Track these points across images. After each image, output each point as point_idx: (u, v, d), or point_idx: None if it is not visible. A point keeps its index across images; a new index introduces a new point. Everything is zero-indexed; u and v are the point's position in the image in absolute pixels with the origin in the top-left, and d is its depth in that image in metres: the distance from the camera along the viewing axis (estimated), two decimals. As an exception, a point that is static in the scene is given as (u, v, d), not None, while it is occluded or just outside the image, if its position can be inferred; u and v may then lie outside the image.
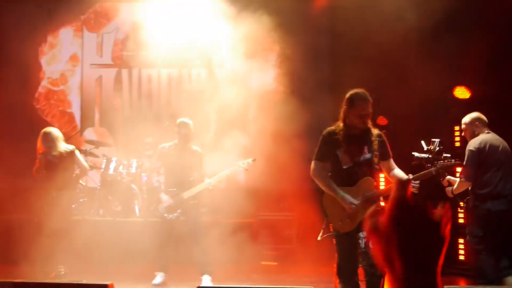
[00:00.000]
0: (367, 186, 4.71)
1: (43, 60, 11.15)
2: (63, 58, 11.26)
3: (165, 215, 7.10)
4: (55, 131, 7.39)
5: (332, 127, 4.89)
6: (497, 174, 5.90)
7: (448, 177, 5.96)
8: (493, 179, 5.89)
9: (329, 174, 4.83)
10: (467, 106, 8.20)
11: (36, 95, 11.17)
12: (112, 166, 9.32)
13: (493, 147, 6.02)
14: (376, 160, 4.76)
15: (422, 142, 5.62)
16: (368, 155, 4.75)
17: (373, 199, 4.69)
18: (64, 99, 11.20)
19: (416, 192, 4.72)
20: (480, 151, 5.94)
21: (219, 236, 8.37)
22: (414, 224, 1.98)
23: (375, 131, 4.87)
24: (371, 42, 9.42)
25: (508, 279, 6.07)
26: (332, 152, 4.76)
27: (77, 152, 7.50)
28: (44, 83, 11.20)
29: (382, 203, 5.03)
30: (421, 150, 5.54)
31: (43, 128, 9.61)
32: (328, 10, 10.50)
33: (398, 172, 4.88)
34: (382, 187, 6.50)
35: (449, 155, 5.25)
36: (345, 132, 4.75)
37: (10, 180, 9.01)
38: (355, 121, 4.72)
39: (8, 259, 7.93)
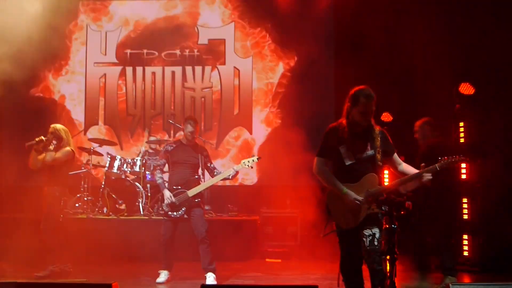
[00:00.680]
0: (371, 182, 4.68)
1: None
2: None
3: (169, 213, 7.06)
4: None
5: (335, 124, 4.87)
6: None
7: None
8: None
9: (332, 170, 4.81)
10: (471, 102, 8.18)
11: (41, 92, 11.19)
12: (116, 164, 9.33)
13: None
14: (379, 156, 4.74)
15: None
16: (370, 152, 4.73)
17: (377, 196, 4.67)
18: (68, 97, 11.22)
19: (428, 184, 4.69)
20: None
21: (223, 233, 8.39)
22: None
23: (377, 128, 4.84)
24: (375, 37, 9.41)
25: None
26: (335, 149, 4.74)
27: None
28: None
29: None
30: None
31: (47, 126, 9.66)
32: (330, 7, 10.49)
33: (408, 167, 4.85)
34: (385, 184, 6.50)
35: None
36: (348, 128, 4.73)
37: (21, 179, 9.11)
38: (357, 118, 4.69)
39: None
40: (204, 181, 7.34)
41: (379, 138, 4.77)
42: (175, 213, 7.05)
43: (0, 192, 9.51)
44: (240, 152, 10.78)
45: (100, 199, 9.30)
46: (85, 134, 10.92)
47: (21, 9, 8.50)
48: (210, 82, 11.07)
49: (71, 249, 8.10)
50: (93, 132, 11.01)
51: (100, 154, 9.99)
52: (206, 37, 11.11)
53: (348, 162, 4.71)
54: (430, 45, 9.58)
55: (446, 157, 4.72)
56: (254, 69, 10.98)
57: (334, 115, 8.65)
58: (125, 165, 9.34)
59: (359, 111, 4.67)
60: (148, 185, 9.48)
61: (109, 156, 9.45)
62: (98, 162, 10.18)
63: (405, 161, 4.97)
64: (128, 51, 11.24)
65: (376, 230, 4.61)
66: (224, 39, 11.08)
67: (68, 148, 7.38)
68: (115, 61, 11.23)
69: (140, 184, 9.25)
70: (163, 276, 7.08)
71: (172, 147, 7.34)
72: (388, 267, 4.33)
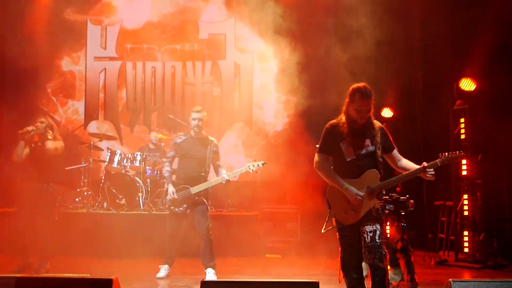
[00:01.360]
0: (372, 178, 4.69)
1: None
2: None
3: (171, 207, 7.01)
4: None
5: (335, 120, 4.88)
6: None
7: None
8: None
9: (333, 166, 4.81)
10: (472, 98, 8.18)
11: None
12: (116, 159, 9.32)
13: None
14: (379, 152, 4.74)
15: None
16: (371, 148, 4.73)
17: (378, 191, 4.67)
18: (68, 92, 11.21)
19: (432, 180, 4.69)
20: None
21: (223, 229, 8.38)
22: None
23: (377, 124, 4.85)
24: (375, 32, 9.39)
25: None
26: (335, 145, 4.74)
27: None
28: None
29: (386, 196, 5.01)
30: None
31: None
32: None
33: (407, 163, 4.85)
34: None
35: None
36: (347, 125, 4.73)
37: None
38: (353, 115, 4.70)
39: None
40: (210, 178, 7.18)
41: (379, 135, 4.77)
42: (176, 209, 7.00)
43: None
44: (240, 147, 10.79)
45: (100, 193, 9.30)
46: (85, 128, 10.92)
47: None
48: (210, 77, 11.06)
49: (71, 243, 8.13)
50: (93, 127, 11.00)
51: (100, 149, 9.99)
52: (206, 32, 11.09)
53: (348, 158, 4.71)
54: (431, 40, 9.58)
55: (446, 153, 4.72)
56: (255, 64, 10.95)
57: (334, 111, 8.63)
58: (125, 160, 9.32)
59: (354, 108, 4.68)
60: (148, 180, 9.48)
61: (109, 151, 9.43)
62: (98, 157, 10.18)
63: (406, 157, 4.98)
64: (128, 45, 11.22)
65: (377, 226, 4.61)
66: (225, 34, 11.06)
67: (61, 141, 7.24)
68: (115, 55, 11.21)
69: (140, 179, 9.24)
70: (163, 271, 7.03)
71: (181, 139, 7.16)
72: (405, 265, 4.33)
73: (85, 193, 9.56)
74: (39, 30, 10.58)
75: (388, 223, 7.06)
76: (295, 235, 9.12)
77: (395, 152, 4.91)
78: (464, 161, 8.19)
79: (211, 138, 7.25)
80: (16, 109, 9.99)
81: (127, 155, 9.43)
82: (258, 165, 6.98)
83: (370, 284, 4.62)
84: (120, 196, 9.09)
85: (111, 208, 9.03)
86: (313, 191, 8.02)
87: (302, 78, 10.23)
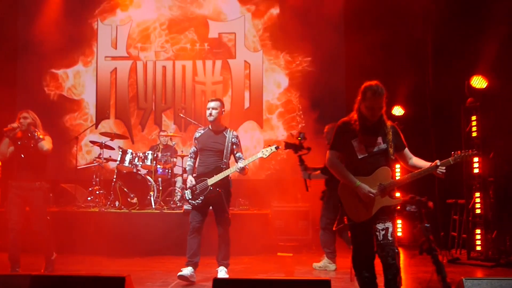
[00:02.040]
0: (384, 176, 4.68)
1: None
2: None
3: (190, 200, 6.75)
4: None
5: (346, 118, 4.88)
6: None
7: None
8: None
9: (345, 164, 4.81)
10: (484, 95, 8.13)
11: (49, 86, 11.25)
12: (127, 158, 9.34)
13: None
14: (391, 150, 4.74)
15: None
16: (383, 146, 4.73)
17: (390, 189, 4.67)
18: (80, 91, 11.27)
19: (442, 177, 4.68)
20: None
21: (235, 227, 8.39)
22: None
23: (389, 122, 4.85)
24: (386, 29, 9.37)
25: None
26: (347, 142, 4.75)
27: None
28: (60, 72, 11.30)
29: (398, 194, 5.01)
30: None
31: (58, 120, 9.73)
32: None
33: (419, 161, 4.84)
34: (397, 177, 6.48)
35: None
36: (359, 122, 4.73)
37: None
38: (365, 113, 4.71)
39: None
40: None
41: (390, 133, 4.77)
42: (193, 201, 6.73)
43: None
44: (252, 145, 10.79)
45: (112, 192, 9.34)
46: (96, 128, 10.97)
47: None
48: (220, 76, 11.07)
49: (83, 241, 8.18)
50: (104, 126, 11.05)
51: (112, 148, 10.03)
52: (216, 31, 11.11)
53: (360, 156, 4.71)
54: (442, 37, 9.54)
55: (459, 151, 4.71)
56: (265, 62, 10.96)
57: (345, 109, 8.62)
58: (136, 159, 9.35)
59: (366, 106, 4.68)
60: (160, 179, 9.51)
61: (121, 150, 9.47)
62: (110, 156, 10.23)
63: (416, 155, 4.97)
64: (139, 45, 11.27)
65: (389, 224, 4.61)
66: (235, 33, 11.07)
67: (48, 136, 6.79)
68: (126, 55, 11.26)
69: (151, 178, 9.27)
70: (185, 271, 6.56)
71: (199, 134, 6.95)
72: (436, 266, 4.34)
73: (97, 192, 9.61)
74: (51, 30, 10.63)
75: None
76: (306, 234, 9.12)
77: (407, 150, 4.91)
78: (476, 159, 8.15)
79: (231, 131, 6.95)
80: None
81: (138, 154, 9.46)
82: (271, 149, 6.69)
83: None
84: (132, 195, 9.12)
85: (123, 207, 9.07)
86: (324, 189, 8.00)
87: (313, 75, 10.25)
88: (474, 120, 8.28)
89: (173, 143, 10.02)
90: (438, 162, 4.64)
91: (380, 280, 4.71)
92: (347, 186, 4.73)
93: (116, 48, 11.25)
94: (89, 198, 9.65)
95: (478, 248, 8.14)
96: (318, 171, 7.63)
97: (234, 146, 6.85)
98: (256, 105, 10.94)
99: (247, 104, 10.98)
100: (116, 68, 11.25)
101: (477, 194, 8.19)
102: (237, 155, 6.87)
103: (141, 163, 9.38)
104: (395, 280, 4.55)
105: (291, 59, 10.84)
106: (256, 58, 10.99)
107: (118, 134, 10.14)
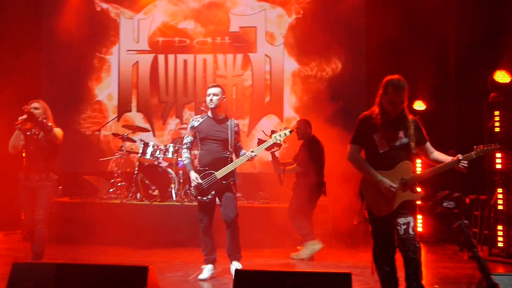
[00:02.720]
0: (405, 170, 4.68)
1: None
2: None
3: (198, 197, 6.43)
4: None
5: (368, 112, 4.88)
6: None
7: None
8: None
9: (366, 158, 4.81)
10: (507, 90, 8.05)
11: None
12: (149, 151, 9.42)
13: None
14: (413, 144, 4.73)
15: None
16: (405, 140, 4.72)
17: (411, 183, 4.66)
18: (102, 85, 11.37)
19: (464, 172, 4.67)
20: None
21: (255, 221, 8.43)
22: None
23: (410, 116, 4.84)
24: (408, 23, 9.31)
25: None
26: (368, 136, 4.75)
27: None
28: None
29: (419, 188, 5.00)
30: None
31: (81, 113, 9.83)
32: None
33: (440, 155, 4.83)
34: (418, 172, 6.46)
35: None
36: (380, 116, 4.73)
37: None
38: (387, 107, 4.70)
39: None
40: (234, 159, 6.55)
41: (412, 127, 4.76)
42: (204, 198, 6.41)
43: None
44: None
45: (133, 185, 9.43)
46: (118, 121, 11.06)
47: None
48: (241, 70, 11.10)
49: (105, 232, 8.29)
50: (126, 119, 11.13)
51: (133, 141, 10.13)
52: (237, 25, 11.12)
53: (382, 150, 4.71)
54: (465, 31, 9.46)
55: (481, 146, 4.69)
56: (285, 55, 10.95)
57: (367, 103, 8.58)
58: (158, 152, 9.43)
59: (387, 100, 4.67)
60: (181, 172, 9.58)
61: (142, 143, 9.55)
62: (131, 149, 10.33)
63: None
64: (160, 38, 11.32)
65: (410, 219, 4.61)
66: (256, 27, 11.07)
67: (59, 128, 6.65)
68: (148, 48, 11.32)
69: (172, 171, 9.34)
70: (206, 271, 6.47)
71: (198, 122, 6.56)
72: (478, 263, 4.33)
73: (119, 184, 9.72)
74: (74, 23, 10.73)
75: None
76: (326, 228, 9.10)
77: (428, 144, 4.89)
78: (498, 154, 8.07)
79: (231, 119, 6.61)
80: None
81: (159, 147, 9.53)
82: (285, 134, 6.34)
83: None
84: (153, 187, 9.20)
85: (144, 199, 9.16)
86: (344, 183, 8.00)
87: (334, 69, 10.23)
88: (497, 115, 8.19)
89: (189, 125, 10.04)
90: (460, 156, 4.63)
91: (401, 275, 4.71)
92: (369, 180, 4.74)
93: (138, 42, 11.32)
94: (111, 190, 9.76)
95: (500, 244, 8.07)
96: (294, 165, 7.99)
97: (235, 135, 6.52)
98: (276, 99, 10.94)
99: (267, 98, 10.98)
100: (137, 62, 11.32)
101: (500, 190, 8.11)
102: (238, 144, 6.56)
103: (162, 155, 9.45)
104: (416, 275, 4.55)
105: (312, 54, 10.80)
106: (277, 51, 10.99)
107: (139, 127, 10.23)
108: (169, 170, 9.36)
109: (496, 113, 8.21)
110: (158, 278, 4.79)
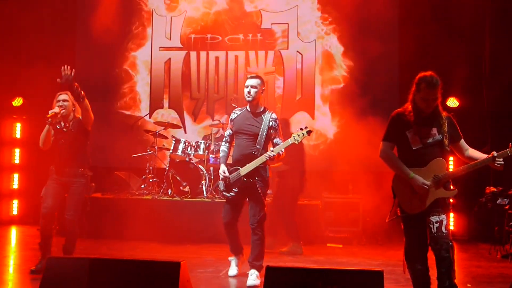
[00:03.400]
0: (439, 167, 4.62)
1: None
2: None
3: (224, 192, 6.22)
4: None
5: (401, 109, 4.85)
6: None
7: None
8: None
9: (398, 155, 4.78)
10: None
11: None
12: (180, 147, 9.49)
13: None
14: (446, 141, 4.67)
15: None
16: (438, 137, 4.67)
17: (444, 181, 4.61)
18: (135, 81, 11.48)
19: (501, 169, 4.60)
20: None
21: (284, 217, 8.43)
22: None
23: (444, 113, 4.78)
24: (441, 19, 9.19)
25: None
26: (401, 133, 4.71)
27: None
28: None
29: (452, 186, 4.94)
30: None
31: (113, 109, 9.92)
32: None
33: (475, 152, 4.77)
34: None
35: None
36: (414, 113, 4.69)
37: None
38: (420, 104, 4.66)
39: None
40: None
41: (446, 124, 4.71)
42: (227, 194, 6.18)
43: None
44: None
45: (164, 181, 9.52)
46: (150, 117, 11.16)
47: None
48: (272, 67, 11.09)
49: (136, 228, 8.39)
50: (158, 116, 11.22)
51: (165, 137, 10.21)
52: (269, 21, 11.10)
53: (415, 147, 4.67)
54: (500, 27, 9.30)
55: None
56: (317, 52, 10.90)
57: (399, 100, 8.50)
58: (189, 148, 9.50)
59: (421, 97, 4.63)
60: (211, 168, 9.63)
61: (174, 139, 9.63)
62: (163, 145, 10.41)
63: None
64: (192, 35, 11.37)
65: (443, 217, 4.56)
66: (287, 23, 11.05)
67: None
68: (180, 45, 11.39)
69: (203, 167, 9.40)
70: (233, 264, 6.45)
71: (236, 114, 6.31)
72: None
73: (150, 180, 9.82)
74: (108, 21, 10.83)
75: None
76: (357, 225, 9.07)
77: (462, 141, 4.83)
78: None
79: (269, 112, 6.26)
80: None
81: (191, 143, 9.60)
82: (303, 134, 5.99)
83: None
84: (184, 184, 9.27)
85: (175, 195, 9.24)
86: (376, 180, 7.95)
87: (366, 67, 10.16)
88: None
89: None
90: (495, 153, 4.55)
91: (433, 273, 4.67)
92: (401, 178, 4.70)
93: (170, 39, 11.40)
94: (142, 186, 9.87)
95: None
96: (280, 163, 7.63)
97: (271, 131, 6.12)
98: (308, 96, 10.91)
99: (298, 95, 10.95)
100: (170, 59, 11.40)
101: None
102: (274, 140, 6.14)
103: (193, 152, 9.52)
104: (449, 274, 4.50)
105: (344, 50, 10.73)
106: (309, 48, 10.94)
107: (171, 124, 10.30)
108: (200, 166, 9.42)
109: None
110: (189, 274, 4.82)
